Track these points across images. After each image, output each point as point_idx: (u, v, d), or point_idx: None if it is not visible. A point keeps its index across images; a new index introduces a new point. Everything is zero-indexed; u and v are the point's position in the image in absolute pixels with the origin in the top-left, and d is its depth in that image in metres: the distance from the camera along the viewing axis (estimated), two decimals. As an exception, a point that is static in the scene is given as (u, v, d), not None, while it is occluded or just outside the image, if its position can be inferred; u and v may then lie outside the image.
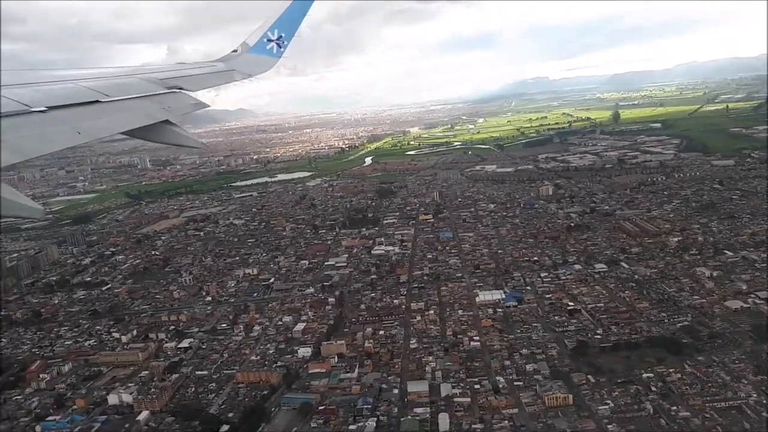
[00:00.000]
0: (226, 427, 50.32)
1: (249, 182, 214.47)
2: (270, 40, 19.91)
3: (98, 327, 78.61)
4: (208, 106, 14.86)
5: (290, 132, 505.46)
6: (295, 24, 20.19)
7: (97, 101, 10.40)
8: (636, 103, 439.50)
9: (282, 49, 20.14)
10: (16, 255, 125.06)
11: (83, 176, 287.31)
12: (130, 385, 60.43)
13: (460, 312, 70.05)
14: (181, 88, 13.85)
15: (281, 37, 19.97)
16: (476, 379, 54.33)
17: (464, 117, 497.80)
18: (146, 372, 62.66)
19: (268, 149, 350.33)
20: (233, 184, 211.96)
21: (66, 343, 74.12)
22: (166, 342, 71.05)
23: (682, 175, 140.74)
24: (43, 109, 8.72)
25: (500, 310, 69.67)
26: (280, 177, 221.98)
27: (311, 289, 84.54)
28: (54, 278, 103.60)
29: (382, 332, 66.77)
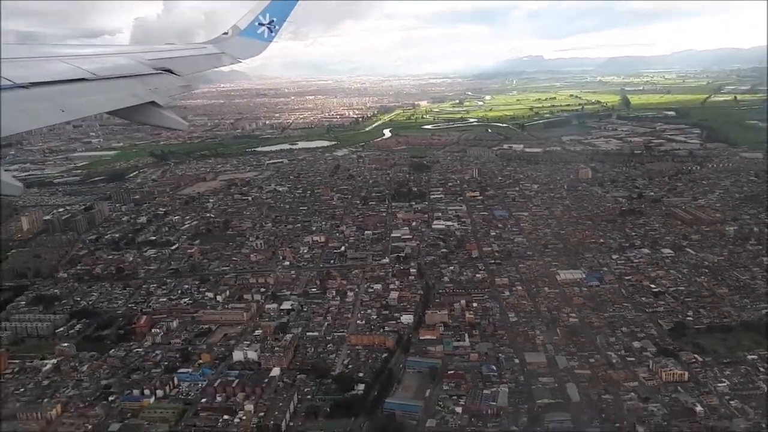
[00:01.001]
0: (360, 386, 53.32)
1: (272, 148, 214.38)
2: (261, 24, 19.91)
3: (186, 286, 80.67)
4: (196, 89, 15.85)
5: (292, 98, 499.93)
6: (287, 9, 20.28)
7: (83, 79, 10.34)
8: (641, 88, 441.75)
9: (273, 34, 20.20)
10: (62, 210, 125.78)
11: (94, 132, 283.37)
12: (245, 342, 63.03)
13: (546, 289, 73.39)
14: (169, 70, 13.85)
15: (273, 21, 19.98)
16: (586, 353, 57.89)
17: (469, 93, 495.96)
18: (260, 331, 65.19)
19: (276, 114, 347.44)
20: (257, 150, 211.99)
21: (161, 300, 76.20)
22: (263, 303, 73.50)
23: (714, 165, 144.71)
24: (26, 84, 8.65)
25: (585, 288, 73.09)
26: (302, 145, 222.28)
27: (386, 259, 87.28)
28: (116, 235, 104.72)
29: (475, 304, 69.86)
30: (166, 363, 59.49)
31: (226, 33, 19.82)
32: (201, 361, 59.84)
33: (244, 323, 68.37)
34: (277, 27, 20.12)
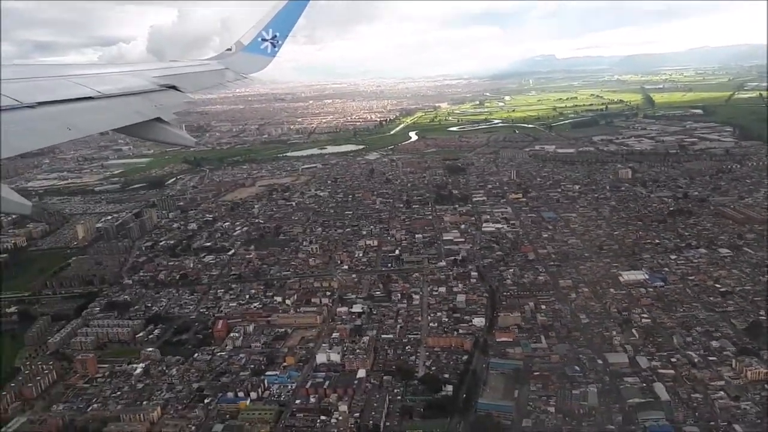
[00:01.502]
0: (448, 387, 54.54)
1: (302, 153, 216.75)
2: (264, 40, 19.93)
3: (252, 290, 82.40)
4: (200, 105, 15.81)
5: (310, 102, 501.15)
6: (290, 24, 20.26)
7: (89, 98, 10.52)
8: (661, 86, 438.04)
9: (276, 49, 20.20)
10: (110, 218, 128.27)
11: (121, 139, 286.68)
12: (325, 345, 64.52)
13: (612, 290, 74.15)
14: (174, 87, 13.95)
15: (276, 36, 20.03)
16: (665, 353, 58.64)
17: (488, 94, 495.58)
18: (336, 334, 66.65)
19: (299, 119, 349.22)
20: (287, 155, 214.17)
21: (231, 304, 77.98)
22: (331, 306, 74.99)
23: (753, 163, 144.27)
24: (33, 104, 8.80)
25: (650, 289, 73.74)
26: (331, 149, 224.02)
27: (443, 263, 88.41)
28: (170, 242, 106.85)
29: (544, 307, 70.81)
30: (252, 366, 61.09)
31: (229, 49, 20.02)
32: (285, 363, 61.39)
33: (318, 326, 69.87)
34: (280, 42, 20.19)
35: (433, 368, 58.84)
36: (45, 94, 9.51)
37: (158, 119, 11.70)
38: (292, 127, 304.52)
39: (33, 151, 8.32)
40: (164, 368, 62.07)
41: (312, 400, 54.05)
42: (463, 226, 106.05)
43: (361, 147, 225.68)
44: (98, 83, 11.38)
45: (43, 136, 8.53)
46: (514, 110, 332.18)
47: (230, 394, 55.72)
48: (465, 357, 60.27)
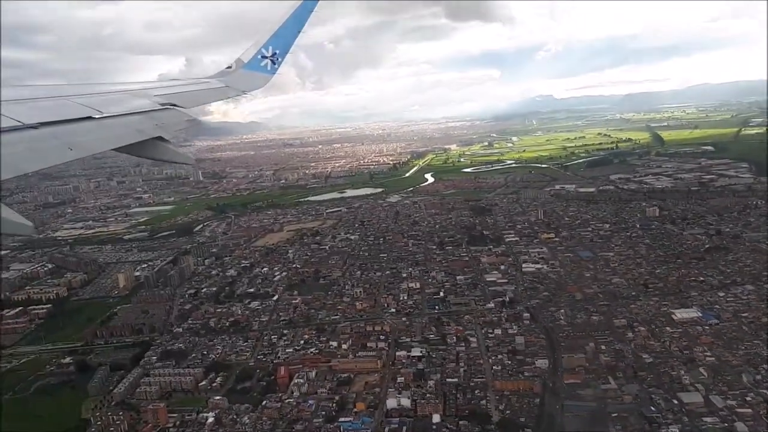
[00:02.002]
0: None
1: (323, 197, 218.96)
2: (264, 57, 19.97)
3: (305, 336, 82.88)
4: (201, 123, 15.24)
5: (319, 147, 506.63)
6: (289, 41, 20.29)
7: (90, 117, 10.59)
8: (666, 124, 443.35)
9: (276, 66, 20.22)
10: (146, 266, 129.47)
11: (140, 187, 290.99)
12: (390, 389, 64.72)
13: (668, 329, 74.56)
14: (174, 105, 14.04)
15: (276, 54, 20.05)
16: (738, 392, 58.79)
17: (494, 135, 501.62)
18: (401, 378, 66.88)
19: (312, 164, 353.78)
20: (308, 199, 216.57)
21: (287, 350, 78.40)
22: (388, 350, 75.34)
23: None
24: (35, 124, 8.88)
25: (706, 327, 74.15)
26: (350, 192, 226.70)
27: (491, 304, 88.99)
28: (212, 289, 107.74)
29: (603, 347, 71.14)
30: (323, 413, 61.16)
31: (229, 67, 20.05)
32: (356, 409, 61.43)
33: (380, 371, 70.12)
34: (280, 59, 20.18)
35: (507, 412, 58.86)
36: (46, 115, 9.61)
37: (159, 138, 11.80)
38: (307, 171, 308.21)
39: (35, 171, 8.23)
40: (234, 416, 62.11)
41: (393, 446, 53.97)
42: (502, 267, 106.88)
43: (380, 190, 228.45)
44: (99, 103, 11.52)
45: (44, 157, 8.46)
46: (524, 150, 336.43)
47: (309, 442, 55.64)
48: (537, 400, 60.36)
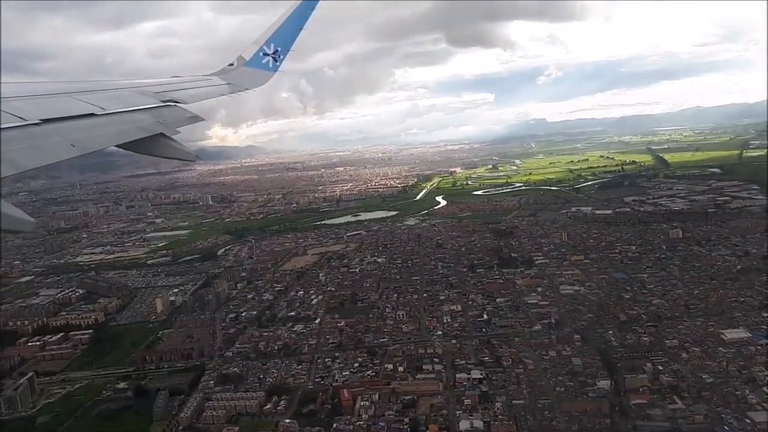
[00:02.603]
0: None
1: (339, 221, 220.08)
2: (266, 54, 20.08)
3: (359, 359, 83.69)
4: (203, 119, 14.99)
5: (321, 171, 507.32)
6: (291, 38, 20.30)
7: (92, 114, 10.56)
8: (666, 147, 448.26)
9: (278, 63, 20.28)
10: (177, 290, 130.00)
11: (150, 212, 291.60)
12: (458, 412, 65.59)
13: (721, 349, 75.97)
14: (176, 101, 14.11)
15: (277, 51, 20.13)
16: (805, 410, 60.05)
17: (495, 158, 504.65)
18: (468, 401, 67.79)
19: (320, 187, 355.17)
20: (324, 222, 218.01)
21: (343, 373, 79.18)
22: (444, 373, 76.23)
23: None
24: (37, 121, 8.86)
25: (759, 347, 75.62)
26: (365, 216, 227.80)
27: (537, 326, 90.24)
28: (252, 313, 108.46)
29: (660, 367, 72.39)
30: (397, 435, 61.86)
31: (231, 64, 20.14)
32: (428, 431, 62.17)
33: (442, 393, 70.92)
34: (281, 56, 20.23)
35: (581, 432, 59.78)
36: (48, 111, 9.56)
37: (161, 134, 11.85)
38: (316, 195, 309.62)
39: (37, 167, 8.17)
40: (307, 441, 62.69)
41: (476, 467, 54.72)
42: (539, 289, 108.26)
43: (395, 213, 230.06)
44: (101, 100, 11.49)
45: (47, 153, 8.45)
46: (530, 173, 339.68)
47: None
48: (607, 420, 61.36)
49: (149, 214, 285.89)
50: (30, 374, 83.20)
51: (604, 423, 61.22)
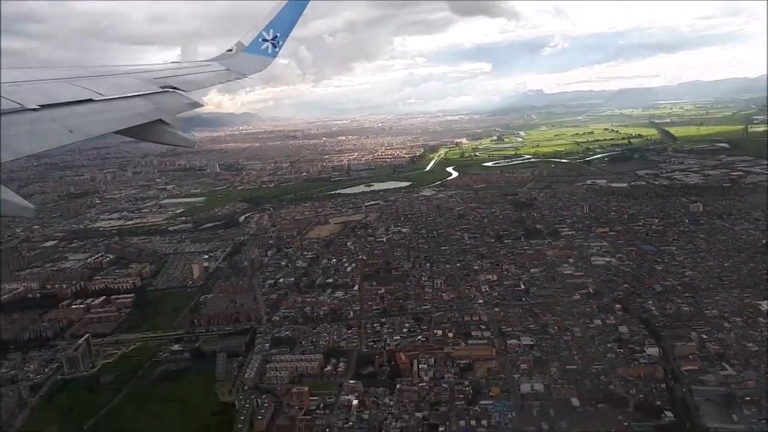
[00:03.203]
0: (668, 414, 58.38)
1: (352, 190, 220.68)
2: (265, 40, 19.98)
3: (406, 324, 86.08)
4: (202, 105, 15.03)
5: (323, 139, 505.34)
6: (290, 24, 20.30)
7: (91, 100, 10.57)
8: (669, 120, 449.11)
9: (277, 49, 20.24)
10: (207, 257, 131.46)
11: (159, 179, 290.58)
12: (516, 376, 68.25)
13: (761, 319, 78.80)
14: (175, 88, 14.10)
15: (276, 37, 20.06)
16: None
17: (498, 129, 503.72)
18: (524, 365, 70.39)
19: (325, 157, 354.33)
20: (339, 192, 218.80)
21: (394, 338, 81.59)
22: (493, 339, 78.76)
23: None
24: (35, 107, 8.85)
25: (798, 318, 78.48)
26: (377, 186, 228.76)
27: (576, 296, 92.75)
28: (290, 279, 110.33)
29: (704, 336, 75.17)
30: (460, 396, 64.47)
31: (230, 50, 20.13)
32: (491, 393, 64.79)
33: (495, 358, 73.43)
34: (280, 42, 20.22)
35: (640, 397, 62.51)
36: (46, 97, 9.57)
37: (160, 120, 11.89)
38: (324, 164, 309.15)
39: (35, 153, 8.31)
40: (374, 399, 65.21)
41: (545, 428, 57.45)
42: (571, 260, 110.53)
43: (408, 183, 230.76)
44: (99, 85, 11.54)
45: (45, 139, 8.47)
46: (537, 145, 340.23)
47: (462, 422, 58.98)
48: (663, 385, 64.11)
49: (158, 180, 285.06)
50: (86, 335, 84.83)
51: (660, 387, 63.93)
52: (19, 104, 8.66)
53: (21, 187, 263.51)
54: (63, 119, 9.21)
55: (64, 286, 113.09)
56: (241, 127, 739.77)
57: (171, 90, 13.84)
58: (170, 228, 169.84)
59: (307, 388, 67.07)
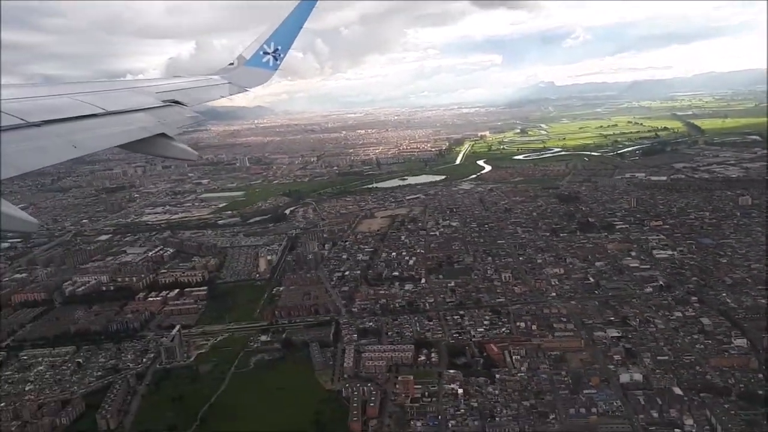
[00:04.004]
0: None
1: (389, 184, 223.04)
2: (266, 53, 20.23)
3: (486, 316, 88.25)
4: (203, 119, 15.39)
5: (343, 132, 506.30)
6: (291, 37, 20.46)
7: (93, 115, 10.73)
8: (691, 113, 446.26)
9: (278, 62, 20.42)
10: (265, 250, 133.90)
11: (191, 173, 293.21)
12: (610, 366, 70.24)
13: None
14: (177, 102, 14.33)
15: (277, 49, 20.27)
16: None
17: (518, 122, 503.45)
18: (617, 356, 72.36)
19: (350, 150, 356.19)
20: (376, 186, 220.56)
21: (478, 330, 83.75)
22: (577, 331, 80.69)
23: None
24: (38, 122, 8.99)
25: None
26: (412, 180, 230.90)
27: (649, 288, 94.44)
28: (356, 272, 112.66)
29: (787, 326, 76.77)
30: (562, 385, 66.60)
31: (232, 64, 20.43)
32: (591, 383, 66.85)
33: (585, 349, 75.44)
34: (282, 55, 20.40)
35: (741, 386, 64.33)
36: (49, 113, 9.73)
37: (162, 134, 12.06)
38: (353, 158, 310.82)
39: (38, 169, 8.26)
40: (477, 388, 67.47)
41: (655, 415, 59.46)
42: (633, 253, 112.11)
43: (442, 177, 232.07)
44: (102, 100, 11.68)
45: (48, 154, 8.57)
46: (564, 138, 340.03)
47: (571, 410, 61.14)
48: (760, 375, 65.89)
49: (189, 174, 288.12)
50: (177, 327, 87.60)
51: (756, 377, 65.72)
52: (23, 120, 8.80)
53: (54, 182, 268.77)
54: (66, 134, 9.37)
55: (134, 279, 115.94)
56: (256, 121, 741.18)
57: (173, 104, 14.10)
58: (219, 222, 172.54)
59: (412, 377, 69.34)
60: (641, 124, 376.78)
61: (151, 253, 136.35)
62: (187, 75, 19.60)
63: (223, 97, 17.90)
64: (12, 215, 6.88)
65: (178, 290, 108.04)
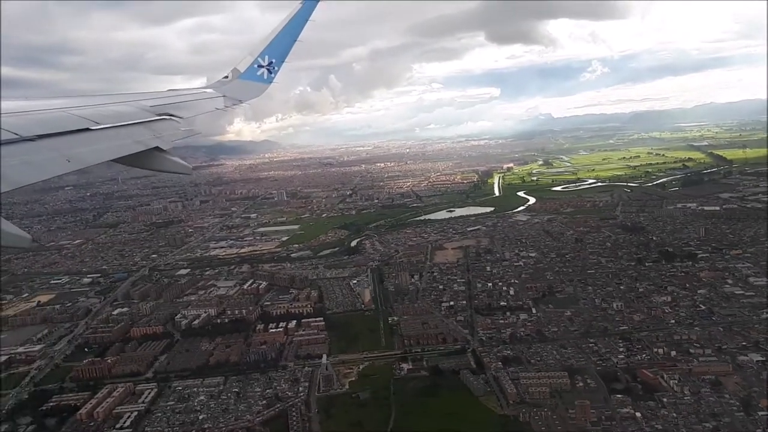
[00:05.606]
0: None
1: (436, 216, 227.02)
2: (261, 66, 20.30)
3: (620, 344, 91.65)
4: (199, 133, 15.30)
5: (362, 166, 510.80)
6: (285, 50, 20.50)
7: (87, 129, 10.69)
8: (707, 143, 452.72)
9: (273, 75, 20.54)
10: (356, 280, 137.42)
11: (233, 207, 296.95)
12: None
13: None
14: (171, 115, 14.33)
15: (272, 63, 20.37)
16: None
17: (534, 154, 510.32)
18: (775, 381, 75.75)
19: (380, 183, 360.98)
20: (427, 218, 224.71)
21: (618, 356, 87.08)
22: (718, 356, 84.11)
23: None
24: (32, 137, 9.00)
25: None
26: (459, 212, 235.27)
27: (764, 314, 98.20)
28: (461, 302, 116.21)
29: None
30: (732, 408, 69.85)
31: (226, 77, 20.52)
32: (760, 405, 70.14)
33: (734, 373, 78.77)
34: (276, 68, 20.47)
35: None
36: (43, 127, 9.71)
37: (156, 148, 12.06)
38: (387, 191, 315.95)
39: (33, 183, 8.28)
40: (650, 412, 70.62)
41: (842, 433, 62.74)
42: (729, 281, 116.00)
43: (490, 209, 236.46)
44: (96, 114, 11.66)
45: (42, 169, 8.58)
46: (593, 170, 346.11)
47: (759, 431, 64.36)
48: None
49: (233, 209, 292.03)
50: (324, 356, 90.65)
51: None
52: (17, 134, 8.81)
53: (96, 217, 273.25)
54: (60, 148, 9.40)
55: (244, 311, 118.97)
56: (266, 155, 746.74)
57: (167, 117, 14.17)
58: (292, 255, 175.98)
59: (588, 402, 72.36)
60: (663, 155, 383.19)
61: (245, 286, 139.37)
62: (182, 89, 19.63)
63: (218, 109, 17.95)
64: (8, 231, 7.04)
65: (295, 321, 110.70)
